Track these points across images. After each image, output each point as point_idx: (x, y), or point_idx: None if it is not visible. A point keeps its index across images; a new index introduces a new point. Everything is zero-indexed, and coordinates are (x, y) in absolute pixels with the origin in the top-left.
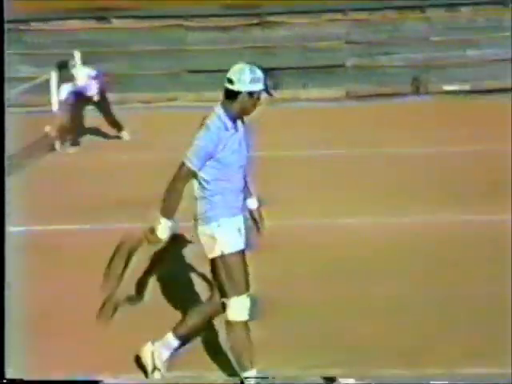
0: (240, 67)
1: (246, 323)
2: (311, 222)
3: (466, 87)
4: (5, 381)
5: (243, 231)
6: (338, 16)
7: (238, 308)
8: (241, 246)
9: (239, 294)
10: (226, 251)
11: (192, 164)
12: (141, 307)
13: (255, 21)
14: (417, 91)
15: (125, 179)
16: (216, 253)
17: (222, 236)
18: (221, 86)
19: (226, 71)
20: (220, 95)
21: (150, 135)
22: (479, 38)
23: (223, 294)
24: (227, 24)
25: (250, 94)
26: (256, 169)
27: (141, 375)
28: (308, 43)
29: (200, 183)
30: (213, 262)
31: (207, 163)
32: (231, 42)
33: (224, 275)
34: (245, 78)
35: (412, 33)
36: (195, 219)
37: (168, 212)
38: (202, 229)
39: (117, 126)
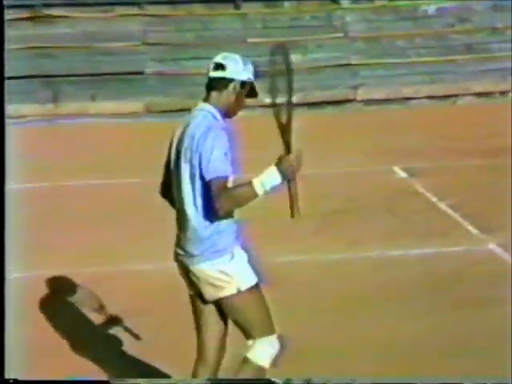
0: (228, 54)
1: (263, 369)
2: None
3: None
4: (5, 381)
5: None
6: (133, 10)
7: (266, 351)
8: (255, 278)
9: (268, 334)
10: (243, 287)
11: (223, 172)
12: None
13: (27, 14)
14: None
15: None
16: (230, 291)
17: (236, 270)
18: None
19: None
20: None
21: None
22: (305, 39)
23: (247, 336)
24: None
25: (242, 85)
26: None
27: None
28: (96, 44)
29: (204, 212)
30: (224, 302)
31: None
32: None
33: (244, 316)
34: (238, 65)
35: (225, 33)
36: (191, 256)
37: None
38: (207, 266)
39: None
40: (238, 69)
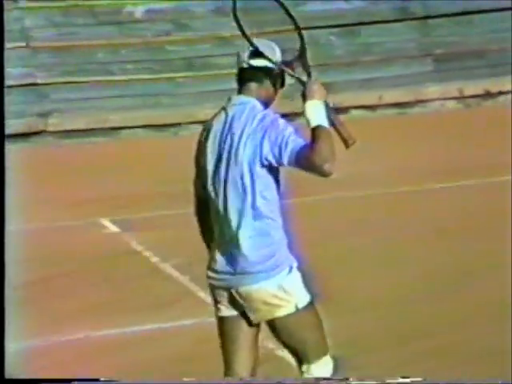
0: (263, 40)
1: None
2: None
3: None
4: (5, 381)
5: None
6: None
7: (323, 374)
8: (309, 294)
9: (324, 354)
10: (301, 305)
11: (304, 141)
12: None
13: None
14: None
15: None
16: (288, 309)
17: (294, 285)
18: None
19: None
20: None
21: None
22: None
23: (303, 358)
24: None
25: (282, 75)
26: None
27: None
28: None
29: (262, 215)
30: (278, 322)
31: (268, 177)
32: None
33: (301, 336)
34: (275, 51)
35: None
36: (241, 274)
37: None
38: (265, 284)
39: None
40: (276, 56)
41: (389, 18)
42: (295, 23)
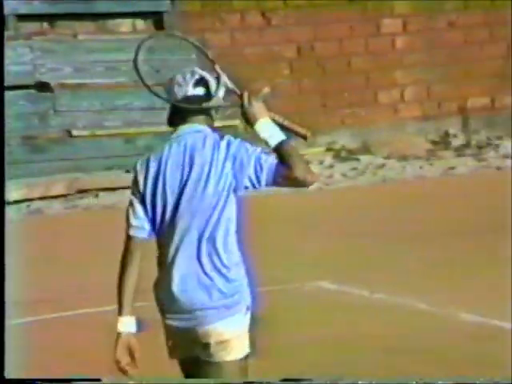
0: (200, 71)
1: None
2: None
3: None
4: (5, 381)
5: None
6: None
7: None
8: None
9: None
10: (246, 351)
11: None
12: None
13: None
14: None
15: None
16: (240, 353)
17: (247, 327)
18: None
19: None
20: None
21: None
22: None
23: None
24: None
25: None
26: None
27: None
28: None
29: (229, 247)
30: (219, 365)
31: (233, 206)
32: None
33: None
34: (213, 79)
35: None
36: (202, 313)
37: None
38: (226, 323)
39: None
40: (215, 84)
41: None
42: (208, 57)
